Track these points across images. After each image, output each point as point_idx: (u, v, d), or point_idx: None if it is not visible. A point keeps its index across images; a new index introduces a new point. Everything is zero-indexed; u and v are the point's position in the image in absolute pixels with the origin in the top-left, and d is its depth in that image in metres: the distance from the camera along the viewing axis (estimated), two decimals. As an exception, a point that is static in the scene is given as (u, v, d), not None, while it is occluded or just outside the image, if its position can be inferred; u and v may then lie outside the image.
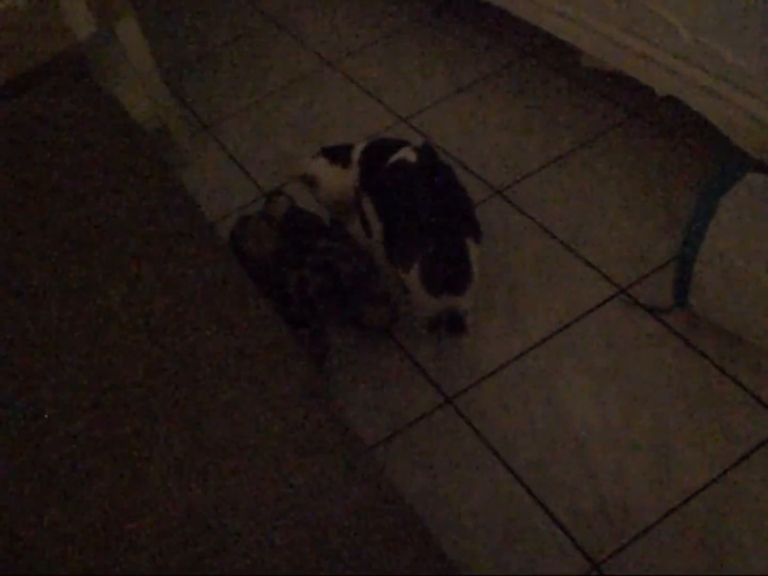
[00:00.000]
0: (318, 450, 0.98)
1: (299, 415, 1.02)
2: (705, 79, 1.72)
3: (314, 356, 1.75)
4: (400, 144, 1.77)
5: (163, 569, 0.91)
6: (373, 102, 2.47)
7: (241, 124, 2.52)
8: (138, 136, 1.62)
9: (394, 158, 1.71)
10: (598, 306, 1.79)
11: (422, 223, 1.59)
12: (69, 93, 1.74)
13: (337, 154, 1.91)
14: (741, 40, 1.61)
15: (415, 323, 1.83)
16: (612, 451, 1.55)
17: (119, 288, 1.23)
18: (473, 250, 1.61)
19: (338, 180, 1.89)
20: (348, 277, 1.76)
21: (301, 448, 0.98)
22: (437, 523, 1.51)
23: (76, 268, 1.28)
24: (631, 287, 1.81)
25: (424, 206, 1.59)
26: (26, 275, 1.28)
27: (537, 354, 1.73)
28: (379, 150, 1.81)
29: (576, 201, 2.01)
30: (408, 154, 1.68)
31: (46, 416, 1.07)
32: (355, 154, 1.87)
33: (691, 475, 1.49)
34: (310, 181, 1.93)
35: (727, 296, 1.53)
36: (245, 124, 2.52)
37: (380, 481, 0.96)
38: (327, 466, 0.97)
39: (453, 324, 1.78)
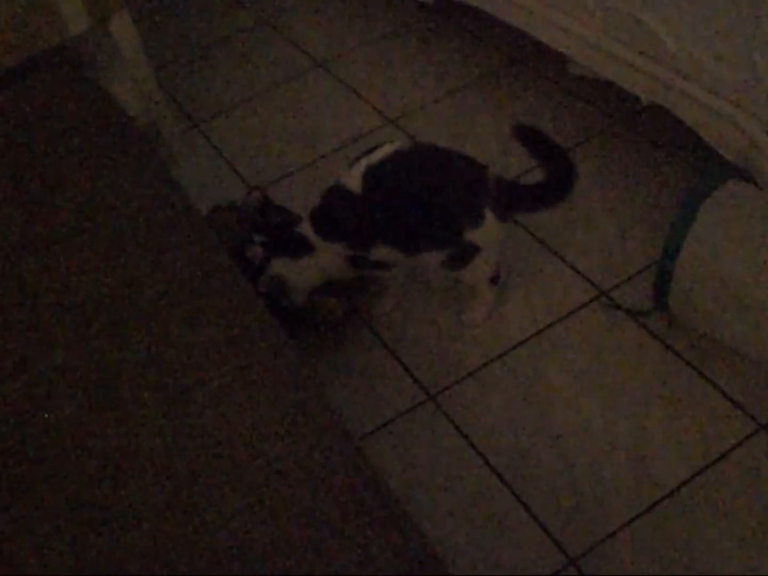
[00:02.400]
0: (304, 436, 1.00)
1: (286, 402, 1.04)
2: (689, 87, 1.76)
3: None
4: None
5: (150, 552, 0.92)
6: (361, 103, 2.50)
7: (230, 121, 2.54)
8: (130, 127, 1.64)
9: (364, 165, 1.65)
10: (580, 308, 1.82)
11: (467, 179, 1.62)
12: (60, 86, 1.75)
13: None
14: (724, 50, 1.64)
15: (397, 316, 1.85)
16: (590, 450, 1.57)
17: (109, 277, 1.24)
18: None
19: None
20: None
21: (287, 434, 1.00)
22: (416, 519, 1.53)
23: (66, 257, 1.29)
24: (612, 290, 1.83)
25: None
26: (16, 262, 1.29)
27: (518, 354, 1.76)
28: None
29: (560, 204, 2.03)
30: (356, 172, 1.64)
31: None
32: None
33: (667, 475, 1.52)
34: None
35: (706, 300, 1.56)
36: (235, 122, 2.53)
37: (365, 467, 0.98)
38: (312, 453, 0.99)
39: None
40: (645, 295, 1.78)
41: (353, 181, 1.64)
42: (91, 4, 2.02)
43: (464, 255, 1.67)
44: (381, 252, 1.68)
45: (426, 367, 1.77)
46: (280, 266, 1.72)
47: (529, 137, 1.66)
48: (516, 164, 2.16)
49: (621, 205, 2.01)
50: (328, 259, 1.72)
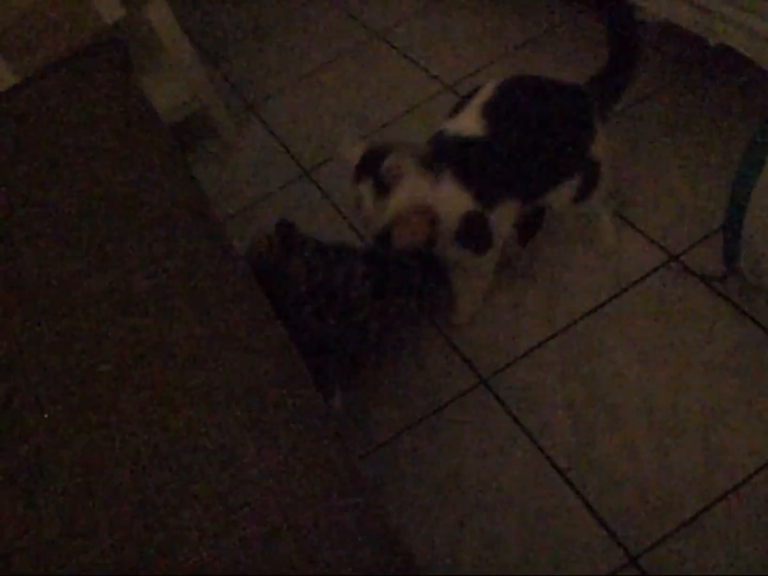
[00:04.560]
0: (282, 439, 0.91)
1: (268, 402, 0.95)
2: (757, 23, 1.57)
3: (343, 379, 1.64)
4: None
5: (121, 561, 0.86)
6: (418, 71, 2.37)
7: (285, 101, 2.46)
8: (153, 122, 1.58)
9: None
10: (647, 276, 1.65)
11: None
12: (86, 79, 1.71)
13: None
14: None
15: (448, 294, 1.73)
16: (656, 434, 1.42)
17: (105, 272, 1.18)
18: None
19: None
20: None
21: (264, 437, 0.92)
22: (467, 509, 1.42)
23: (64, 253, 1.23)
24: (683, 254, 1.66)
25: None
26: (14, 258, 1.25)
27: (579, 330, 1.61)
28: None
29: (625, 161, 1.87)
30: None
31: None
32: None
33: (742, 459, 1.35)
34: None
35: (781, 260, 1.39)
36: (290, 102, 2.46)
37: (352, 470, 0.89)
38: (292, 456, 0.90)
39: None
40: (720, 258, 1.60)
41: (469, 123, 1.47)
42: (125, -10, 1.97)
43: (592, 176, 1.58)
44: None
45: (478, 348, 1.65)
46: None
47: None
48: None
49: (692, 159, 1.82)
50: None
